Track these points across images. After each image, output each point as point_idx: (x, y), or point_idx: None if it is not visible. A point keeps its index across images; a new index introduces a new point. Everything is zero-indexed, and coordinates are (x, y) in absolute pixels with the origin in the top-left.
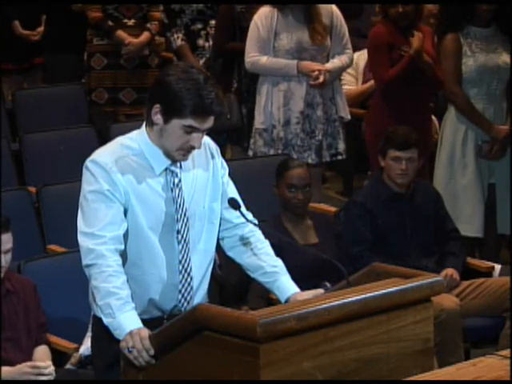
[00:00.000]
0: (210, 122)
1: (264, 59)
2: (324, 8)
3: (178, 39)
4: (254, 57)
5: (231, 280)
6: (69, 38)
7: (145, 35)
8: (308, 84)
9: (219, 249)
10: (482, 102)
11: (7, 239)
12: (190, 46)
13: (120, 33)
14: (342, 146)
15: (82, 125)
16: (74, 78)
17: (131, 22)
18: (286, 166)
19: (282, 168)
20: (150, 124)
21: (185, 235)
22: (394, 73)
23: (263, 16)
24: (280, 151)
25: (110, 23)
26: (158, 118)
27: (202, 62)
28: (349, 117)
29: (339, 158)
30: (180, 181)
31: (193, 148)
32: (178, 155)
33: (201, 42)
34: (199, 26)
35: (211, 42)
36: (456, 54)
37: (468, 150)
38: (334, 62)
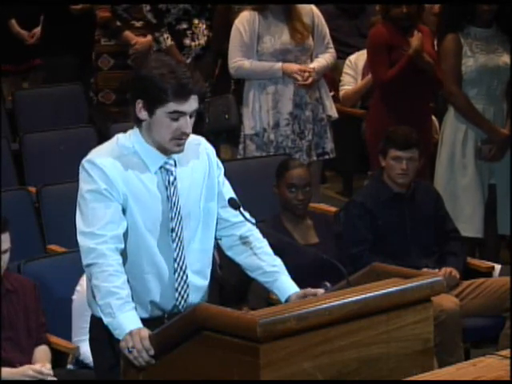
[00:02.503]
0: (192, 103)
1: (248, 63)
2: (304, 8)
3: (168, 39)
4: (237, 62)
5: (231, 280)
6: (68, 39)
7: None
8: (295, 84)
9: (219, 248)
10: (482, 103)
11: (5, 239)
12: (177, 46)
13: (127, 33)
14: (329, 146)
15: (82, 125)
16: (74, 80)
17: (139, 24)
18: (286, 166)
19: (283, 168)
20: (138, 123)
21: (179, 233)
22: (394, 73)
23: (245, 20)
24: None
25: (118, 23)
26: (142, 113)
27: (188, 61)
28: (336, 115)
29: (326, 157)
30: (175, 179)
31: (184, 134)
32: (172, 146)
33: (187, 41)
34: (184, 25)
35: (197, 41)
36: (456, 55)
37: (468, 150)
38: (319, 61)
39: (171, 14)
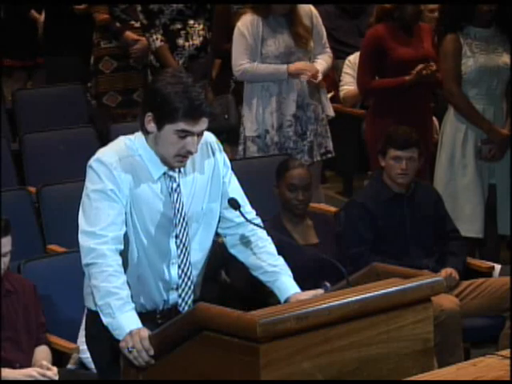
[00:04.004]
0: (202, 125)
1: (253, 66)
2: (303, 9)
3: (158, 40)
4: (243, 65)
5: (238, 285)
6: (70, 39)
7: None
8: (299, 86)
9: (225, 251)
10: (482, 103)
11: (6, 242)
12: (170, 46)
13: (128, 33)
14: (330, 145)
15: (82, 125)
16: (74, 80)
17: (138, 24)
18: (286, 166)
19: (283, 168)
20: (146, 133)
21: (184, 240)
22: (379, 86)
23: (248, 23)
24: None
25: (118, 24)
26: (151, 126)
27: (181, 62)
28: (333, 114)
29: (329, 156)
30: (178, 185)
31: (189, 153)
32: (175, 162)
33: (181, 41)
34: (178, 26)
35: (191, 42)
36: (456, 55)
37: (468, 150)
38: (321, 63)
39: (164, 14)
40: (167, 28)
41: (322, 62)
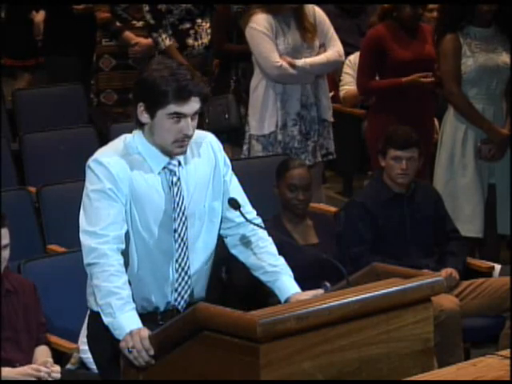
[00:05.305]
0: (193, 105)
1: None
2: (307, 7)
3: (166, 39)
4: (279, 63)
5: (238, 284)
6: (70, 39)
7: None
8: (302, 85)
9: (227, 252)
10: (482, 103)
11: (4, 234)
12: (179, 46)
13: (127, 34)
14: (331, 146)
15: (82, 125)
16: (74, 80)
17: (140, 24)
18: (286, 166)
19: (283, 168)
20: (141, 125)
21: (182, 234)
22: (378, 87)
23: (264, 22)
24: None
25: (118, 24)
26: (144, 116)
27: (191, 60)
28: (332, 119)
29: (330, 157)
30: (179, 179)
31: (186, 136)
32: (174, 148)
33: (190, 41)
34: (187, 25)
35: (200, 41)
36: (455, 54)
37: (468, 150)
38: (316, 57)
39: (173, 14)
40: (176, 28)
41: (320, 56)
